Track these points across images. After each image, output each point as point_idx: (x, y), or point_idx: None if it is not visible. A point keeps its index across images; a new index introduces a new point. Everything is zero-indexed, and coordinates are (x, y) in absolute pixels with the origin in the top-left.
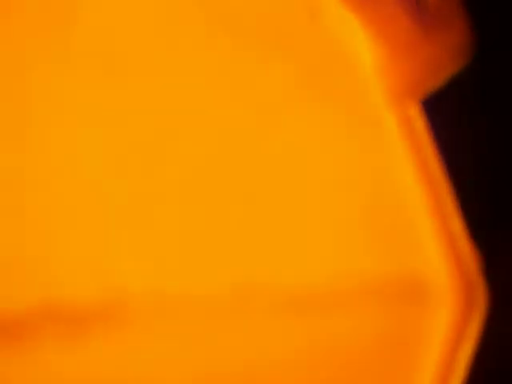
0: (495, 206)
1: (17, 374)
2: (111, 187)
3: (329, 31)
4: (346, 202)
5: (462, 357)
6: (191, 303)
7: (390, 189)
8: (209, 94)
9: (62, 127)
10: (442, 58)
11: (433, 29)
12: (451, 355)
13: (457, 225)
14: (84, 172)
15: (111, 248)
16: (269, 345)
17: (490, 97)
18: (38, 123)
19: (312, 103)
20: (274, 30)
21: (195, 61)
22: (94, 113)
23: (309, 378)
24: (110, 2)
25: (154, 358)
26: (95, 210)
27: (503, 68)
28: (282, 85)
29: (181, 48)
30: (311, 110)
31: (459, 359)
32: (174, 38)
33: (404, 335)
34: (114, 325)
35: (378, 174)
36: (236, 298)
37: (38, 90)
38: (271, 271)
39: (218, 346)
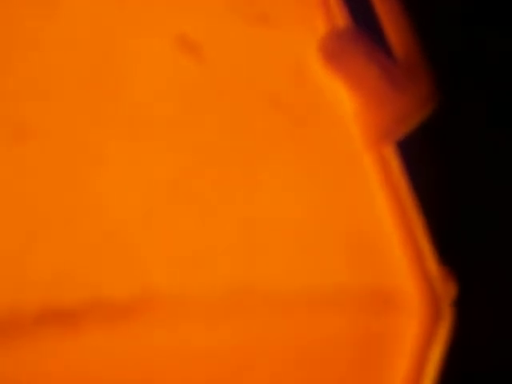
0: (460, 232)
1: (71, 352)
2: (142, 217)
3: (314, 88)
4: (330, 226)
5: (431, 362)
6: (198, 302)
7: (367, 216)
8: (214, 142)
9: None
10: (411, 107)
11: (402, 83)
12: (420, 361)
13: (425, 246)
14: (125, 203)
15: (140, 261)
16: (260, 340)
17: (452, 138)
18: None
19: (300, 146)
20: (267, 88)
21: (204, 115)
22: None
23: (293, 371)
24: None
25: (168, 338)
26: (131, 234)
27: (464, 115)
28: (274, 132)
29: (191, 109)
30: (300, 151)
31: (428, 365)
32: (185, 101)
33: (376, 341)
34: (141, 314)
35: (357, 204)
36: (235, 299)
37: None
38: (265, 279)
39: (216, 338)
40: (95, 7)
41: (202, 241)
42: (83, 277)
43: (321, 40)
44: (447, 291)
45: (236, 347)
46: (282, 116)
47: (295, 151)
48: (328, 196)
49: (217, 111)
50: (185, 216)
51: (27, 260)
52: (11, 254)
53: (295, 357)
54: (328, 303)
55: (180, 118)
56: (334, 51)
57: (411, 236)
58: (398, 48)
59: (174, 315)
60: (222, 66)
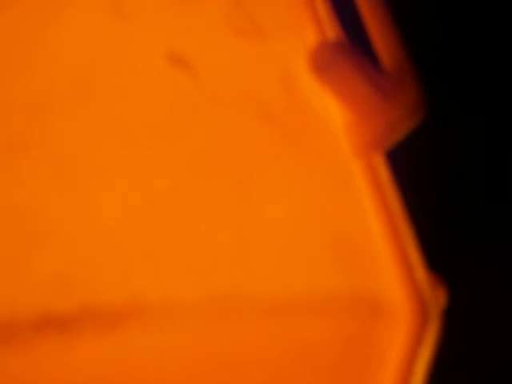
0: (450, 240)
1: (65, 358)
2: (134, 226)
3: (304, 99)
4: (319, 234)
5: (419, 368)
6: (188, 309)
7: (356, 224)
8: (207, 153)
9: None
10: (400, 116)
11: (391, 93)
12: (407, 367)
13: (414, 253)
14: (115, 214)
15: (131, 269)
16: (249, 345)
17: (440, 147)
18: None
19: (291, 157)
20: (258, 100)
21: (196, 127)
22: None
23: (281, 376)
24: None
25: (160, 345)
26: (123, 243)
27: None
28: (265, 144)
29: (183, 121)
30: (290, 161)
31: (415, 371)
32: (177, 115)
33: (363, 346)
34: (134, 321)
35: (346, 212)
36: (224, 305)
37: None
38: (253, 285)
39: (206, 343)
40: (91, 24)
41: (192, 248)
42: (78, 285)
43: (310, 52)
44: (436, 298)
45: (225, 352)
46: (273, 127)
47: (285, 162)
48: (317, 205)
49: (209, 123)
50: (175, 225)
51: (24, 268)
52: (8, 262)
53: (283, 362)
54: (316, 309)
55: (173, 130)
56: (323, 63)
57: (399, 243)
58: (387, 59)
59: (165, 322)
60: (213, 79)
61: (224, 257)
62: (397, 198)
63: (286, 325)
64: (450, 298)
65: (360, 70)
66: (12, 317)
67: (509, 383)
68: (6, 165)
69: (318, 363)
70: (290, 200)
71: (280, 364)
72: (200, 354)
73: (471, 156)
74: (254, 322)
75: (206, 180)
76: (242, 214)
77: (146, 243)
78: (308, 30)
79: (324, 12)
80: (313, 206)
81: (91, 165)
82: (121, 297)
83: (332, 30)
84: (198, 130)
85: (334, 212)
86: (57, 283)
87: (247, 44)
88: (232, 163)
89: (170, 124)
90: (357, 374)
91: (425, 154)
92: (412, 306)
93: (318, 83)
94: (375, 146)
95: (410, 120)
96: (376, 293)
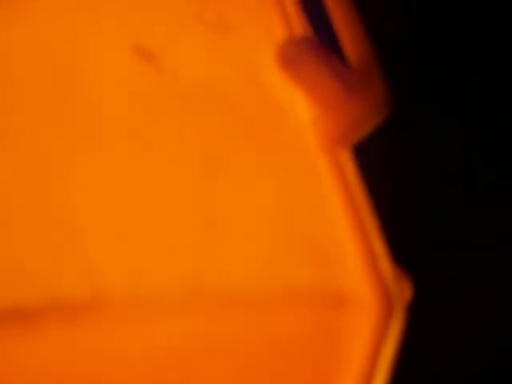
0: (414, 232)
1: (29, 350)
2: (100, 218)
3: (269, 93)
4: (286, 228)
5: (384, 358)
6: (155, 302)
7: (322, 218)
8: (173, 147)
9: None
10: (366, 111)
11: (357, 89)
12: (373, 356)
13: (379, 247)
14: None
15: (94, 261)
16: (216, 339)
17: (407, 142)
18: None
19: (259, 151)
20: (225, 94)
21: (163, 121)
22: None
23: (251, 369)
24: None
25: (123, 338)
26: (88, 236)
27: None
28: (233, 138)
29: (150, 115)
30: (259, 155)
31: (380, 360)
32: (144, 107)
33: (328, 339)
34: (97, 314)
35: (313, 206)
36: (191, 299)
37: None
38: (221, 280)
39: (172, 337)
40: (55, 18)
41: (160, 241)
42: (41, 277)
43: (278, 47)
44: (401, 291)
45: (192, 346)
46: (241, 122)
47: (251, 156)
48: (283, 199)
49: (175, 117)
50: (142, 217)
51: None
52: None
53: (249, 354)
54: (282, 302)
55: (139, 124)
56: (290, 57)
57: (365, 236)
58: (353, 55)
59: (129, 314)
60: (180, 72)
61: (192, 251)
62: (363, 192)
63: (252, 318)
64: (415, 291)
65: (327, 65)
66: None
67: (473, 375)
68: None
69: (285, 355)
70: (257, 194)
71: (246, 356)
72: (165, 347)
73: (439, 151)
74: (221, 316)
75: (173, 173)
76: (210, 206)
77: (110, 235)
78: (276, 25)
79: (292, 8)
80: (278, 200)
81: (53, 157)
82: (85, 289)
83: (300, 26)
84: (165, 123)
85: (299, 206)
86: (20, 275)
87: (216, 38)
88: (199, 156)
89: (137, 117)
90: (323, 365)
91: (391, 149)
92: (377, 299)
93: (286, 78)
94: (342, 141)
95: (376, 116)
96: (341, 285)
